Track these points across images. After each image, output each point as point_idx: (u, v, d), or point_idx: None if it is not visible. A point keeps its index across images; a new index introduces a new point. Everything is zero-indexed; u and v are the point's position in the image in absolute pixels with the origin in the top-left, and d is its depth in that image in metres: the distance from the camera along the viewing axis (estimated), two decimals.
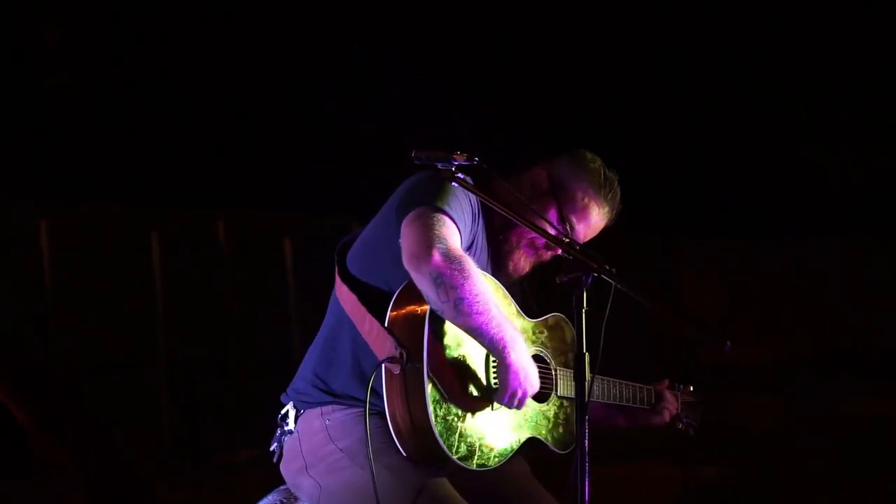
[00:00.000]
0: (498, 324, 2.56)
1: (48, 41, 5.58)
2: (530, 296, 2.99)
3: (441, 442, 2.56)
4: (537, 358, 2.80)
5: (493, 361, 2.67)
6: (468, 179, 2.65)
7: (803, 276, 7.16)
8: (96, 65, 5.61)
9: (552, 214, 2.80)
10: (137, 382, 5.81)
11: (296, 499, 2.84)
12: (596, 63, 6.56)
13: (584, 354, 2.45)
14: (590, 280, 2.47)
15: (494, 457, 2.70)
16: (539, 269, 2.88)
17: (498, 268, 2.86)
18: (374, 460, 2.58)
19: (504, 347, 2.57)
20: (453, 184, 2.60)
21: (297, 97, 6.09)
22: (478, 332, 2.55)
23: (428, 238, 2.51)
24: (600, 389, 2.96)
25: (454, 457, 2.60)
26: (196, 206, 5.92)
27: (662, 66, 6.66)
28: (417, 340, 2.56)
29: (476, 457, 2.65)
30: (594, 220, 2.84)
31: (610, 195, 2.84)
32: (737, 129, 6.99)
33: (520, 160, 2.93)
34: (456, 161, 2.66)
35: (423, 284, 2.52)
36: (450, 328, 2.60)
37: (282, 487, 2.88)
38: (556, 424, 2.87)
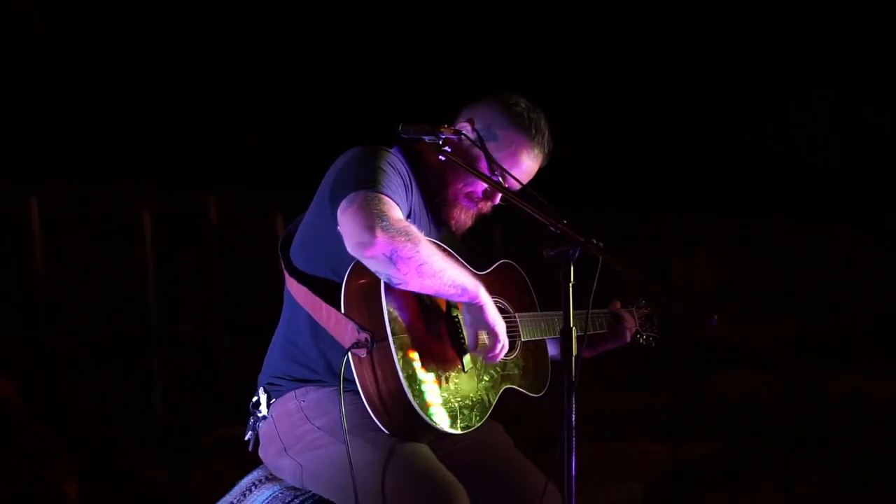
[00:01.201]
0: (462, 274, 2.60)
1: (35, 23, 5.56)
2: (476, 248, 3.00)
3: (422, 414, 2.57)
4: (500, 309, 2.80)
5: (455, 318, 2.70)
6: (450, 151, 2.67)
7: (793, 254, 7.18)
8: (84, 44, 5.58)
9: (482, 164, 2.79)
10: (129, 361, 5.81)
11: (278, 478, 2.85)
12: (585, 46, 6.55)
13: (572, 329, 2.47)
14: (577, 254, 2.48)
15: (476, 416, 2.71)
16: (481, 220, 2.88)
17: (440, 227, 2.88)
18: (354, 435, 2.60)
19: (475, 293, 2.61)
20: (385, 157, 2.64)
21: (295, 76, 6.06)
22: (446, 286, 2.58)
23: (367, 221, 2.50)
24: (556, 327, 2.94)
25: (438, 426, 2.62)
26: (188, 187, 5.91)
27: (653, 50, 6.65)
28: (378, 319, 2.56)
29: (459, 420, 2.66)
30: (526, 164, 2.84)
31: (538, 136, 2.83)
32: (728, 109, 6.99)
33: (441, 112, 2.90)
34: (443, 134, 2.69)
35: (378, 266, 2.53)
36: (406, 299, 2.61)
37: (263, 465, 2.88)
38: (526, 370, 2.88)
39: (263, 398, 2.78)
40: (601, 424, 5.39)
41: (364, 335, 2.56)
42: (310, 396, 2.68)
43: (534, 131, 2.82)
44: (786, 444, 5.16)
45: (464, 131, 2.81)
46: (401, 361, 2.55)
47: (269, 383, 2.80)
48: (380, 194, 2.55)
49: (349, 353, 2.59)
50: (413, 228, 2.54)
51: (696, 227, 7.36)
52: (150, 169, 5.72)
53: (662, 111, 6.70)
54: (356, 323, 2.58)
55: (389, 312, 2.56)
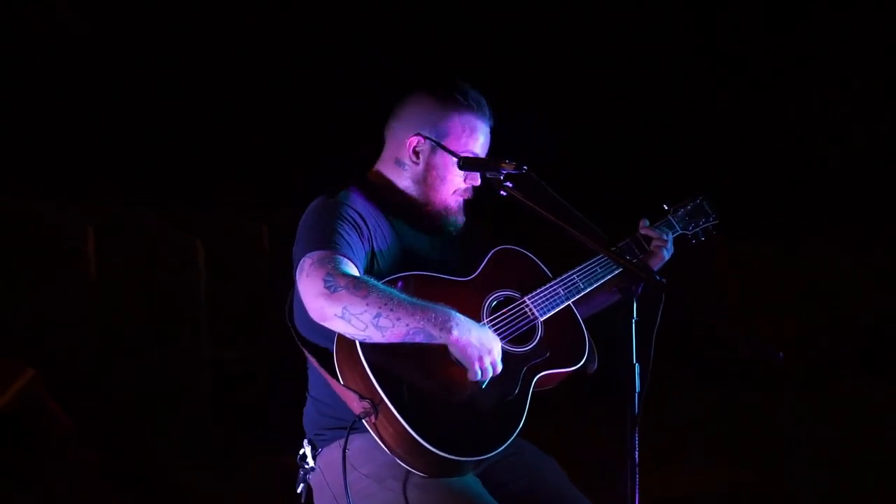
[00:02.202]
0: (423, 314, 2.54)
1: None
2: (472, 247, 2.95)
3: (450, 456, 2.55)
4: (507, 300, 2.78)
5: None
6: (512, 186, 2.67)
7: (826, 277, 7.10)
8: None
9: (450, 171, 2.79)
10: (177, 383, 5.83)
11: None
12: (585, 46, 6.48)
13: (636, 364, 2.44)
14: (640, 290, 2.46)
15: (511, 425, 2.66)
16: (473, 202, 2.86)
17: (431, 236, 2.86)
18: (401, 482, 2.60)
19: (442, 330, 2.55)
20: (337, 209, 2.65)
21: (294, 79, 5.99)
22: (411, 334, 2.54)
23: (314, 287, 2.51)
24: (597, 270, 2.91)
25: (470, 458, 2.59)
26: (239, 212, 5.93)
27: (652, 50, 6.56)
28: (369, 384, 2.54)
29: (491, 440, 2.62)
30: (481, 135, 2.84)
31: (475, 105, 2.82)
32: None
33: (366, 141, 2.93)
34: (504, 170, 2.68)
35: (339, 328, 2.53)
36: (387, 353, 2.57)
37: None
38: (556, 347, 2.81)
39: (308, 450, 2.80)
40: (661, 457, 5.33)
41: (365, 403, 2.55)
42: (354, 444, 2.67)
43: (471, 102, 2.81)
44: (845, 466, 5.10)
45: (418, 148, 2.80)
46: (406, 418, 2.52)
47: (312, 436, 2.82)
48: (328, 253, 2.56)
49: (363, 421, 2.58)
50: (364, 282, 2.52)
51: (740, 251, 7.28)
52: (201, 195, 5.73)
53: (663, 113, 6.63)
54: (355, 392, 2.57)
55: (375, 372, 2.54)
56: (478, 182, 2.85)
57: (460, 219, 2.88)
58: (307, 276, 2.54)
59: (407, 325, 2.52)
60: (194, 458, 5.68)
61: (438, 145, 2.79)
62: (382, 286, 2.55)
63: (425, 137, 2.80)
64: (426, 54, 5.34)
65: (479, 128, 2.82)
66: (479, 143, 2.83)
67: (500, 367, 2.63)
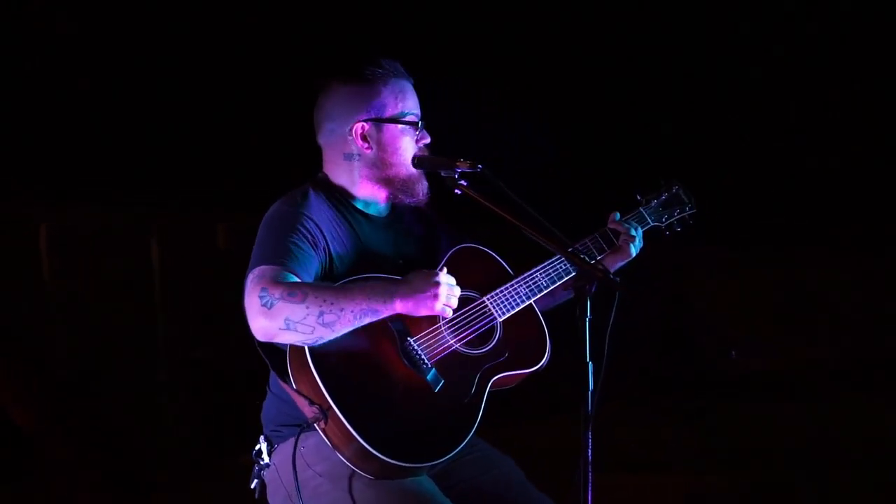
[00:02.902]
0: (362, 294, 2.54)
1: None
2: (435, 242, 2.95)
3: (400, 463, 2.54)
4: (466, 300, 2.75)
5: (399, 342, 2.64)
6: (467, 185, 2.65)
7: (811, 284, 7.12)
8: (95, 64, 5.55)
9: (401, 140, 2.79)
10: (142, 385, 5.78)
11: None
12: (585, 45, 6.49)
13: (589, 363, 2.42)
14: (593, 288, 2.44)
15: (464, 429, 2.65)
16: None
17: (387, 231, 2.85)
18: (355, 481, 2.60)
19: (387, 303, 2.55)
20: (288, 218, 2.65)
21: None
22: (359, 318, 2.54)
23: (253, 306, 2.50)
24: (559, 268, 2.88)
25: (423, 464, 2.59)
26: (197, 210, 5.88)
27: (672, 74, 6.60)
28: (318, 391, 2.53)
29: (444, 443, 2.61)
30: (410, 94, 2.83)
31: (392, 69, 2.81)
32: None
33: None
34: (459, 168, 2.66)
35: (286, 338, 2.52)
36: (335, 354, 2.56)
37: None
38: (516, 348, 2.79)
39: (264, 446, 2.77)
40: (616, 458, 5.33)
41: (314, 409, 2.54)
42: (309, 442, 2.66)
43: (387, 69, 2.80)
44: (809, 475, 5.11)
45: (365, 133, 2.79)
46: (354, 425, 2.51)
47: (269, 431, 2.79)
48: (269, 266, 2.55)
49: (314, 426, 2.57)
50: (296, 286, 2.51)
51: (714, 256, 7.28)
52: (157, 192, 5.68)
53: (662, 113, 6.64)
54: (306, 397, 2.56)
55: (324, 378, 2.52)
56: (428, 139, 2.84)
57: (424, 185, 2.84)
58: (247, 294, 2.54)
59: (352, 311, 2.52)
60: (164, 456, 5.66)
61: (381, 121, 2.78)
62: (315, 284, 2.56)
63: (366, 120, 2.78)
64: (426, 54, 5.33)
65: (406, 87, 2.82)
66: (412, 101, 2.83)
67: (456, 290, 2.63)
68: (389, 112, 2.78)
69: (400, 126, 2.78)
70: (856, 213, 6.78)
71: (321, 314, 2.48)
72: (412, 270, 2.70)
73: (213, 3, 5.65)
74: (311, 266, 2.62)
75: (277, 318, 2.47)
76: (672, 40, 6.48)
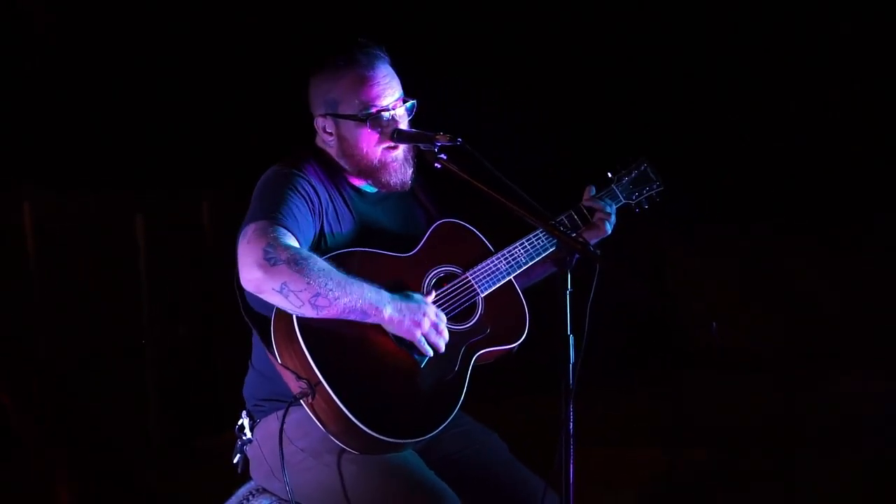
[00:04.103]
0: (359, 293, 2.54)
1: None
2: (420, 219, 2.95)
3: (388, 439, 2.55)
4: (448, 275, 2.77)
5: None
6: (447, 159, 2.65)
7: (787, 261, 7.16)
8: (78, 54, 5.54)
9: (358, 132, 2.76)
10: (123, 365, 5.78)
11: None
12: (584, 45, 6.52)
13: (570, 336, 2.44)
14: (574, 261, 2.45)
15: (450, 404, 2.66)
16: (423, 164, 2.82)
17: (376, 206, 2.85)
18: (337, 456, 2.60)
19: (377, 311, 2.56)
20: (291, 179, 2.64)
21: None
22: (346, 312, 2.53)
23: (255, 255, 2.48)
24: (538, 244, 2.90)
25: (409, 440, 2.60)
26: (181, 188, 5.88)
27: (660, 65, 6.61)
28: (305, 362, 2.52)
29: (431, 419, 2.62)
30: (372, 83, 2.75)
31: (349, 59, 2.76)
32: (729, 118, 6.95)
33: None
34: (439, 142, 2.66)
35: (273, 300, 2.51)
36: (326, 334, 2.55)
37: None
38: (497, 323, 2.80)
39: (247, 422, 2.78)
40: (600, 431, 5.37)
41: (302, 383, 2.53)
42: (291, 417, 2.65)
43: (341, 62, 2.76)
44: (787, 448, 5.14)
45: (326, 128, 2.78)
46: (343, 400, 2.51)
47: (251, 406, 2.80)
48: (272, 224, 2.54)
49: (300, 401, 2.56)
50: (304, 257, 2.50)
51: (694, 233, 7.31)
52: (141, 173, 5.67)
53: (662, 112, 6.67)
54: (292, 371, 2.55)
55: (312, 351, 2.52)
56: (399, 123, 2.79)
57: (404, 172, 2.82)
58: (248, 243, 2.51)
59: (344, 303, 2.52)
60: (143, 439, 5.67)
61: (336, 116, 2.76)
62: (322, 263, 2.54)
63: (325, 115, 2.79)
64: (426, 53, 5.33)
65: (367, 76, 2.75)
66: (374, 89, 2.76)
67: (445, 333, 2.64)
68: (344, 107, 2.75)
69: (357, 122, 2.75)
70: (837, 203, 6.85)
71: (317, 295, 2.48)
72: (399, 247, 2.74)
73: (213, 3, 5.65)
74: (308, 231, 2.63)
75: (275, 279, 2.46)
76: (672, 40, 6.50)
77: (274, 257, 2.47)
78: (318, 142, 2.86)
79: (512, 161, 3.00)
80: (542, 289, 3.01)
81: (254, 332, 2.74)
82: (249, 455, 2.80)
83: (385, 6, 5.80)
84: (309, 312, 2.51)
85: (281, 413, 2.65)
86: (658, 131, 6.51)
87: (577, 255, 2.44)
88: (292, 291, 2.47)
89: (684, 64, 6.63)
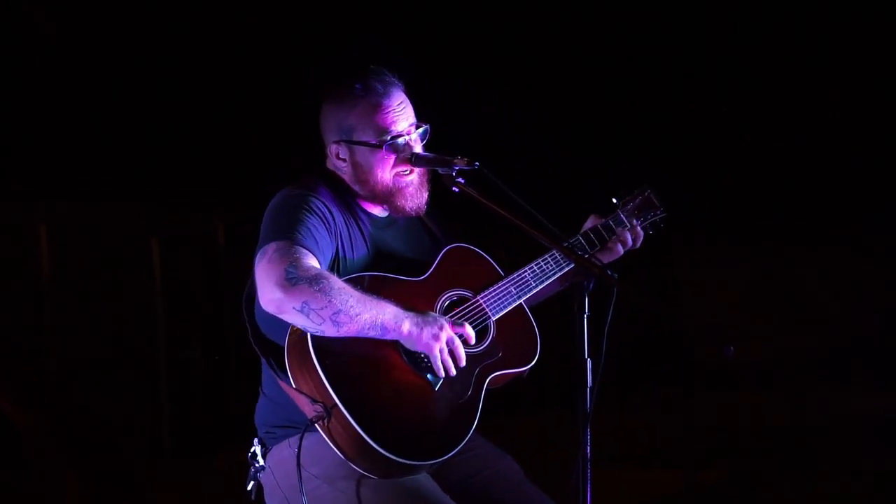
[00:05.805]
0: (379, 311, 2.54)
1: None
2: (431, 245, 2.94)
3: (403, 461, 2.53)
4: (460, 299, 2.77)
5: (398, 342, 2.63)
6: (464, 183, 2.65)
7: (799, 276, 7.15)
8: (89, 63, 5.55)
9: (373, 159, 2.75)
10: (136, 383, 5.79)
11: None
12: (585, 45, 6.50)
13: (587, 360, 2.43)
14: (591, 285, 2.45)
15: (465, 427, 2.65)
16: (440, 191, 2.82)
17: (386, 230, 2.84)
18: (352, 481, 2.58)
19: (396, 326, 2.55)
20: (306, 200, 2.63)
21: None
22: (365, 329, 2.53)
23: (277, 275, 2.48)
24: (546, 267, 2.89)
25: (424, 462, 2.58)
26: (197, 208, 5.89)
27: (666, 69, 6.61)
28: (320, 385, 2.51)
29: (446, 443, 2.60)
30: (387, 111, 2.75)
31: (364, 87, 2.76)
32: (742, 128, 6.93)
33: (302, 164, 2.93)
34: (457, 166, 2.66)
35: (294, 319, 2.51)
36: (339, 347, 2.54)
37: None
38: (509, 347, 2.80)
39: (259, 449, 2.77)
40: (615, 452, 5.35)
41: (318, 407, 2.52)
42: (303, 443, 2.63)
43: (358, 89, 2.76)
44: (800, 466, 5.13)
45: (340, 154, 2.78)
46: (359, 422, 2.49)
47: (263, 433, 2.79)
48: (292, 244, 2.53)
49: (315, 425, 2.56)
50: (324, 276, 2.51)
51: (706, 249, 7.30)
52: (158, 190, 5.68)
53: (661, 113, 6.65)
54: (307, 395, 2.54)
55: (328, 374, 2.51)
56: (415, 147, 2.78)
57: (419, 196, 2.82)
58: (269, 262, 2.51)
59: (365, 320, 2.52)
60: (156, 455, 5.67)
61: (351, 143, 2.76)
62: (340, 282, 2.54)
63: (338, 142, 2.79)
64: (426, 53, 5.32)
65: (381, 104, 2.75)
66: (389, 117, 2.76)
67: (461, 349, 2.64)
68: (359, 134, 2.75)
69: (372, 148, 2.75)
70: (843, 211, 6.83)
71: (338, 312, 2.48)
72: (410, 271, 2.73)
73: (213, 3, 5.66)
74: (326, 250, 2.63)
75: (296, 298, 2.46)
76: (672, 40, 6.50)
77: (295, 277, 2.47)
78: (329, 166, 2.85)
79: (512, 161, 2.99)
80: (550, 306, 3.01)
81: (262, 359, 2.74)
82: (263, 482, 2.78)
83: (385, 6, 5.81)
84: (329, 330, 2.50)
85: (293, 440, 2.64)
86: (658, 131, 6.52)
87: (594, 280, 2.44)
88: (313, 310, 2.47)
89: (684, 64, 6.63)
